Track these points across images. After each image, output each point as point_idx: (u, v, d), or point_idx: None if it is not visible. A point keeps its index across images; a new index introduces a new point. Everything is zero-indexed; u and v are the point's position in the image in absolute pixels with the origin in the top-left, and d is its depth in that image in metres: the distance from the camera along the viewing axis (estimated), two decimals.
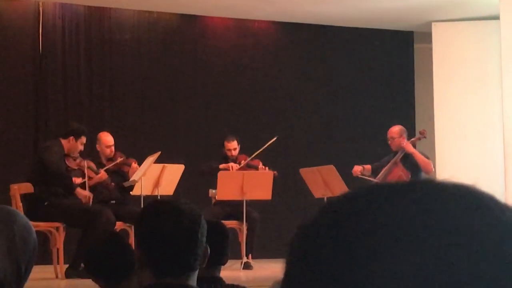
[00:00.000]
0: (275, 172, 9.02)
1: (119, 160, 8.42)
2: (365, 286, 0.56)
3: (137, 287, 2.58)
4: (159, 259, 2.25)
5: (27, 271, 2.23)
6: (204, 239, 2.31)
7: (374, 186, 0.62)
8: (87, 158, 8.11)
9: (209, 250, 2.36)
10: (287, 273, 0.62)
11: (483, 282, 0.55)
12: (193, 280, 2.30)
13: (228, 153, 9.21)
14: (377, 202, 0.59)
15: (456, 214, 0.57)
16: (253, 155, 9.08)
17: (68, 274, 7.52)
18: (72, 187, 7.81)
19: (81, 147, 7.96)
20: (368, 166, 8.89)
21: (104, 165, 8.43)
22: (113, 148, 8.52)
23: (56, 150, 7.78)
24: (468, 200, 0.59)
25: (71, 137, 7.89)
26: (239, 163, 9.13)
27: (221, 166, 9.04)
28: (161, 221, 2.25)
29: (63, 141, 7.88)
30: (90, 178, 7.95)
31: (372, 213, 0.59)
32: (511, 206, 0.60)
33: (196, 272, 2.32)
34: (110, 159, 8.49)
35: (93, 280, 3.18)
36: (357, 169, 8.82)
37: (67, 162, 7.92)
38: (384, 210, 0.58)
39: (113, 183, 8.26)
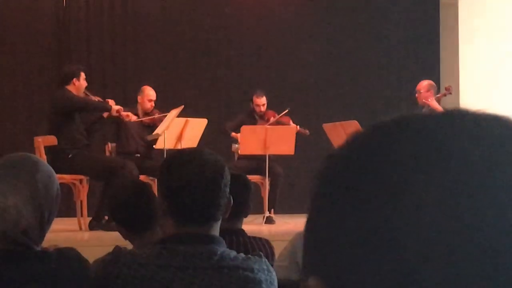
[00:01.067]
0: (307, 130, 8.98)
1: (156, 115, 8.43)
2: (396, 218, 0.54)
3: (160, 236, 2.58)
4: (182, 208, 2.24)
5: (50, 218, 2.25)
6: (227, 189, 2.30)
7: (405, 116, 0.59)
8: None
9: (232, 201, 2.35)
10: (315, 203, 0.61)
11: None
12: (216, 230, 2.29)
13: (257, 109, 9.17)
14: (408, 131, 0.58)
15: (493, 146, 0.55)
16: (283, 113, 9.01)
17: (92, 226, 7.58)
18: (107, 106, 7.91)
19: (85, 83, 7.97)
20: None
21: (140, 120, 8.45)
22: (153, 103, 8.55)
23: (71, 93, 7.79)
24: (504, 131, 0.57)
25: (73, 79, 7.88)
26: (268, 120, 9.08)
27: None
28: (185, 170, 2.24)
29: (69, 87, 7.87)
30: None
31: (403, 142, 0.57)
32: None
33: (219, 223, 2.31)
34: (147, 114, 8.52)
35: (117, 229, 3.18)
36: None
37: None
38: (415, 139, 0.57)
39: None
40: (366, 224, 0.55)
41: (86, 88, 7.98)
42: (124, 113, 8.11)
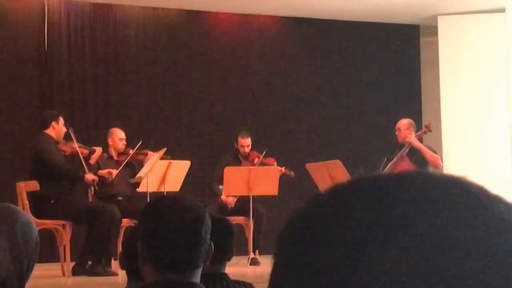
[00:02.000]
0: (292, 172, 9.00)
1: (131, 152, 8.42)
2: (354, 280, 0.55)
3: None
4: (162, 255, 2.23)
5: (29, 269, 2.22)
6: (208, 236, 2.29)
7: (365, 178, 0.60)
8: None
9: (213, 247, 2.34)
10: (276, 264, 0.62)
11: (473, 273, 0.54)
12: (197, 277, 2.28)
13: (241, 149, 9.18)
14: (367, 194, 0.59)
15: (447, 206, 0.57)
16: (263, 154, 9.03)
17: (75, 272, 7.52)
18: (78, 175, 7.83)
19: (64, 129, 7.95)
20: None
21: (116, 161, 8.46)
22: (125, 142, 8.55)
23: (50, 145, 7.74)
24: (460, 193, 0.58)
25: (53, 123, 7.87)
26: (252, 160, 9.09)
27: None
28: (165, 217, 2.23)
29: (48, 131, 7.85)
30: (85, 156, 7.96)
31: (362, 205, 0.58)
32: (502, 197, 0.59)
33: (200, 269, 2.30)
34: (122, 154, 8.51)
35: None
36: None
37: (61, 148, 7.90)
38: (374, 203, 0.58)
39: (111, 178, 8.22)
40: None
41: (67, 135, 7.95)
42: (103, 172, 8.09)
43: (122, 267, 3.09)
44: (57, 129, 7.87)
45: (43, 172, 7.61)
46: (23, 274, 2.20)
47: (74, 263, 7.65)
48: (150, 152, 8.45)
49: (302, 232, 0.60)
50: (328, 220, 0.58)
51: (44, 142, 7.74)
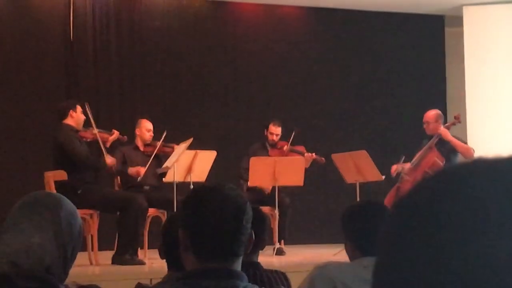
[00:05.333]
0: (323, 158, 9.01)
1: (158, 144, 8.46)
2: (468, 262, 0.55)
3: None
4: (204, 244, 2.25)
5: (73, 255, 2.27)
6: (249, 225, 2.30)
7: (472, 163, 0.61)
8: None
9: (254, 237, 2.36)
10: (384, 250, 0.62)
11: None
12: (238, 266, 2.30)
13: (270, 137, 9.19)
14: (480, 176, 0.59)
15: None
16: (290, 140, 9.05)
17: (116, 261, 7.58)
18: (99, 165, 7.86)
19: (83, 116, 7.97)
20: (407, 164, 8.68)
21: (141, 151, 8.50)
22: (152, 133, 8.59)
23: (71, 136, 7.75)
24: None
25: (70, 111, 7.89)
26: (280, 148, 9.12)
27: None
28: (206, 206, 2.25)
29: (67, 121, 7.87)
30: (104, 141, 8.00)
31: (475, 188, 0.58)
32: None
33: (241, 258, 2.32)
34: (148, 145, 8.55)
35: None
36: (394, 169, 8.67)
37: (82, 136, 7.93)
38: (482, 187, 0.58)
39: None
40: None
41: (89, 123, 7.99)
42: (132, 172, 8.18)
43: (162, 256, 3.11)
44: (76, 117, 7.88)
45: (68, 163, 7.65)
46: (67, 261, 2.24)
47: (101, 251, 7.72)
48: (176, 146, 8.49)
49: (417, 213, 0.59)
50: (440, 203, 0.58)
51: (65, 133, 7.75)
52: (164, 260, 3.09)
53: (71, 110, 7.86)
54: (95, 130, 7.95)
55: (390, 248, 0.61)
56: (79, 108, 7.93)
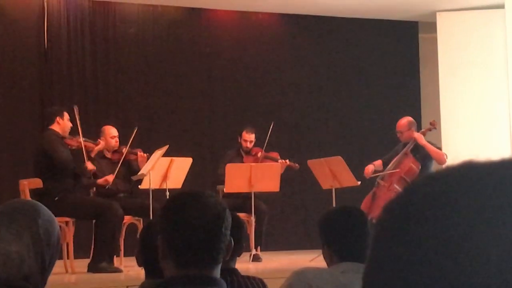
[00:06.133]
0: (297, 164, 9.02)
1: (124, 150, 8.40)
2: (464, 258, 0.56)
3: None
4: (183, 251, 2.25)
5: (52, 263, 2.25)
6: (228, 232, 2.31)
7: (462, 167, 0.61)
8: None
9: (233, 244, 2.36)
10: (375, 253, 0.62)
11: None
12: (217, 272, 2.30)
13: (244, 144, 9.19)
14: (471, 181, 0.59)
15: None
16: (264, 146, 9.06)
17: (91, 269, 7.53)
18: (86, 172, 7.84)
19: (70, 124, 7.94)
20: (379, 162, 8.81)
21: (110, 159, 8.44)
22: (117, 139, 8.52)
23: (57, 142, 7.72)
24: None
25: (57, 118, 7.86)
26: (255, 155, 9.12)
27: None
28: (186, 213, 2.25)
29: (54, 127, 7.84)
30: (88, 150, 7.97)
31: (467, 192, 0.58)
32: None
33: (220, 265, 2.32)
34: (115, 152, 8.49)
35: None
36: (369, 170, 8.73)
37: (68, 143, 7.89)
38: (475, 191, 0.58)
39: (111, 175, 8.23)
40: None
41: (76, 128, 7.95)
42: (100, 182, 8.14)
43: (139, 263, 3.09)
44: (62, 124, 7.86)
45: (47, 169, 7.60)
46: (45, 269, 2.23)
47: (76, 260, 7.68)
48: (140, 152, 8.41)
49: (408, 216, 0.60)
50: (433, 209, 0.59)
51: (51, 139, 7.73)
52: (141, 267, 3.07)
53: (58, 117, 7.84)
54: (81, 139, 7.91)
55: (381, 251, 0.61)
56: (66, 116, 7.89)
